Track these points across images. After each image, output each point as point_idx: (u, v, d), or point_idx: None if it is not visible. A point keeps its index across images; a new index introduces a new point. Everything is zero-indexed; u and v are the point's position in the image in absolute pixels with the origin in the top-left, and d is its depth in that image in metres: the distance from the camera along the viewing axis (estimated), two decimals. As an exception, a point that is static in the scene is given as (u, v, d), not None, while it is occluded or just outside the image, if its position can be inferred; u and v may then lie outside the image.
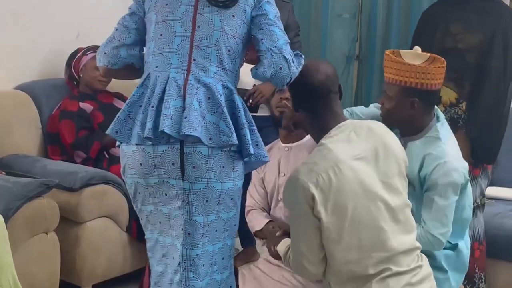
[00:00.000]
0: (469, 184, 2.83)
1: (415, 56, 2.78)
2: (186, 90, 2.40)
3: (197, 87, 2.40)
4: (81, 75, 4.01)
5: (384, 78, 2.84)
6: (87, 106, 3.95)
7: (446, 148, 2.77)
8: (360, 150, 2.33)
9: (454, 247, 2.81)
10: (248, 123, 2.48)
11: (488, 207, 3.81)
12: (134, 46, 2.61)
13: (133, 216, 3.60)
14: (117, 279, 3.68)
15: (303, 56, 2.55)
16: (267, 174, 3.09)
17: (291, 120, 2.62)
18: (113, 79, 4.07)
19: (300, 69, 2.51)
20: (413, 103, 2.74)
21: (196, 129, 2.33)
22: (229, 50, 2.46)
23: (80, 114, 3.90)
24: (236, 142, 2.38)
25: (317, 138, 2.42)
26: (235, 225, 2.59)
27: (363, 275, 2.28)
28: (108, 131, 2.52)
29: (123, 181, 3.54)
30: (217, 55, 2.44)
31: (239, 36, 2.48)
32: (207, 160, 2.40)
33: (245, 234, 4.34)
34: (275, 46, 2.45)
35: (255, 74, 2.51)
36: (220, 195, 2.45)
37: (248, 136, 2.43)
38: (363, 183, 2.28)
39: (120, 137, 2.50)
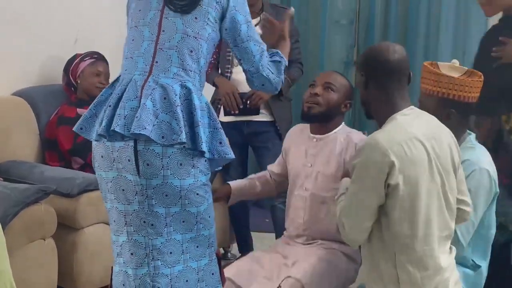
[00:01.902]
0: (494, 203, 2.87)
1: (452, 68, 2.83)
2: (143, 91, 2.47)
3: (154, 88, 2.46)
4: (78, 81, 4.01)
5: (421, 88, 2.88)
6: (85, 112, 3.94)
7: (482, 157, 2.83)
8: (429, 131, 2.40)
9: (476, 267, 2.83)
10: (210, 122, 2.54)
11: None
12: None
13: (131, 222, 3.60)
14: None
15: (282, 61, 2.69)
16: (291, 158, 3.28)
17: (360, 96, 2.59)
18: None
19: (282, 76, 2.68)
20: (449, 114, 2.78)
21: (145, 128, 2.38)
22: (191, 51, 2.52)
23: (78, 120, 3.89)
24: (184, 140, 2.41)
25: (384, 117, 2.44)
26: (209, 217, 2.61)
27: (423, 260, 2.35)
28: (74, 128, 2.62)
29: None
30: (178, 56, 2.50)
31: (202, 37, 2.53)
32: (161, 158, 2.45)
33: (243, 240, 4.34)
34: (253, 66, 2.61)
35: (249, 85, 2.73)
36: (180, 191, 2.49)
37: (202, 134, 2.46)
38: (430, 161, 2.35)
39: (84, 133, 2.61)
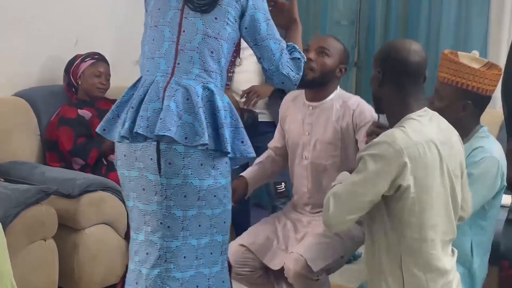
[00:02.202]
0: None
1: (472, 59, 2.78)
2: (165, 92, 2.48)
3: (176, 89, 2.47)
4: (79, 82, 4.01)
5: (438, 77, 2.83)
6: (85, 113, 3.95)
7: (494, 146, 2.79)
8: (442, 135, 2.37)
9: (470, 265, 2.81)
10: (232, 122, 2.55)
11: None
12: None
13: (132, 223, 3.60)
14: (116, 286, 3.67)
15: (301, 58, 2.66)
16: (288, 127, 3.28)
17: (372, 89, 2.53)
18: (111, 86, 4.09)
19: (301, 73, 2.65)
20: (466, 105, 2.74)
21: (170, 129, 2.40)
22: (212, 52, 2.52)
23: (79, 121, 3.90)
24: (207, 142, 2.43)
25: (396, 116, 2.40)
26: (225, 222, 2.63)
27: (429, 262, 2.33)
28: (97, 129, 2.64)
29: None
30: (199, 58, 2.51)
31: (222, 37, 2.53)
32: (183, 158, 2.47)
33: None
34: (273, 65, 2.60)
35: (269, 82, 2.73)
36: (199, 191, 2.51)
37: (227, 135, 2.49)
38: (441, 165, 2.32)
39: (107, 134, 2.62)
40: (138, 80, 2.60)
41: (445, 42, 4.83)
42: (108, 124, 2.61)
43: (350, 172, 2.54)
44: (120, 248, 3.60)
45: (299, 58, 2.65)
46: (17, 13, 4.01)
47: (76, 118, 3.90)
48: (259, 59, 2.62)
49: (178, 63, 2.51)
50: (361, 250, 3.31)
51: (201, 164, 2.49)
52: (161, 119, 2.41)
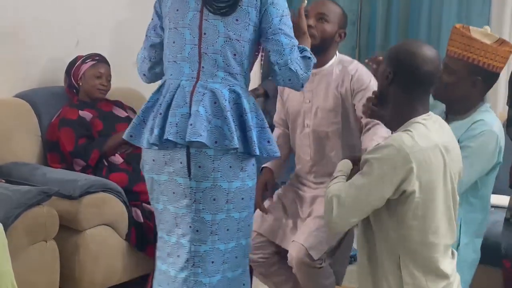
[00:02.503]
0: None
1: (485, 35, 2.76)
2: (192, 97, 2.49)
3: (204, 93, 2.49)
4: (80, 83, 4.01)
5: (448, 51, 2.80)
6: (86, 114, 3.95)
7: (495, 121, 2.78)
8: (445, 139, 2.35)
9: (456, 242, 2.78)
10: (258, 122, 2.57)
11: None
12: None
13: (133, 224, 3.60)
14: (116, 287, 3.67)
15: (311, 58, 2.63)
16: (290, 96, 3.26)
17: (379, 86, 2.48)
18: (112, 87, 4.09)
19: (309, 73, 2.62)
20: (476, 81, 2.72)
21: (201, 135, 2.43)
22: (234, 55, 2.53)
23: (80, 122, 3.90)
24: (237, 146, 2.46)
25: (400, 117, 2.36)
26: (249, 225, 2.67)
27: (430, 266, 2.33)
28: (124, 136, 2.66)
29: (123, 189, 3.61)
30: (223, 61, 2.52)
31: (244, 39, 2.53)
32: (213, 161, 2.50)
33: None
34: (281, 59, 2.55)
35: (274, 80, 2.68)
36: (228, 194, 2.54)
37: (255, 138, 2.51)
38: (445, 170, 2.31)
39: (134, 140, 2.64)
40: (162, 85, 2.61)
41: (446, 42, 4.81)
42: (134, 130, 2.62)
43: (351, 159, 2.54)
44: (121, 249, 3.60)
45: (309, 58, 2.63)
46: (18, 14, 4.01)
47: (77, 119, 3.90)
48: (268, 52, 2.58)
49: (203, 67, 2.52)
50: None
51: (230, 167, 2.52)
52: (191, 124, 2.43)
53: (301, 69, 2.58)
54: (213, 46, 2.51)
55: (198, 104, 2.47)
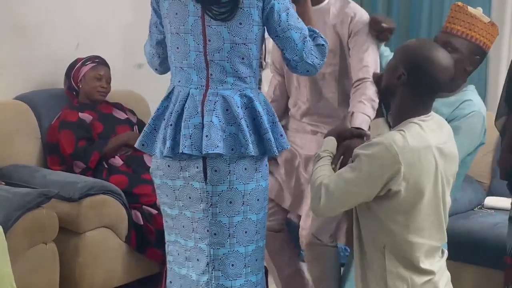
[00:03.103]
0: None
1: (480, 15, 2.78)
2: (204, 106, 2.47)
3: (215, 102, 2.47)
4: (80, 86, 4.01)
5: (451, 29, 2.81)
6: (86, 116, 3.95)
7: (481, 102, 2.82)
8: (442, 141, 2.34)
9: None
10: (269, 118, 2.56)
11: (487, 217, 3.81)
12: None
13: (133, 227, 3.60)
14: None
15: (325, 44, 2.59)
16: None
17: (387, 81, 2.43)
18: (112, 89, 4.10)
19: (325, 58, 2.59)
20: (475, 61, 2.74)
21: (218, 146, 2.43)
22: (242, 58, 2.50)
23: (80, 124, 3.90)
24: (252, 153, 2.47)
25: (400, 116, 2.36)
26: (264, 227, 2.67)
27: (412, 262, 2.33)
28: (136, 145, 2.63)
29: (122, 191, 3.60)
30: (231, 67, 2.49)
31: (250, 41, 2.49)
32: (229, 164, 2.50)
33: None
34: (296, 55, 2.53)
35: (292, 71, 2.65)
36: (244, 196, 2.54)
37: (272, 139, 2.51)
38: (436, 172, 2.30)
39: (146, 149, 2.62)
40: (171, 92, 2.58)
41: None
42: (146, 138, 2.60)
43: (336, 135, 2.54)
44: (121, 252, 3.60)
45: (323, 44, 2.59)
46: (19, 17, 4.01)
47: (77, 122, 3.91)
48: (282, 50, 2.56)
49: (211, 74, 2.50)
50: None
51: (245, 169, 2.52)
52: (206, 136, 2.43)
53: (317, 58, 2.56)
54: (219, 53, 2.47)
55: (211, 114, 2.45)
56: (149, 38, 2.73)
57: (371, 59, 3.05)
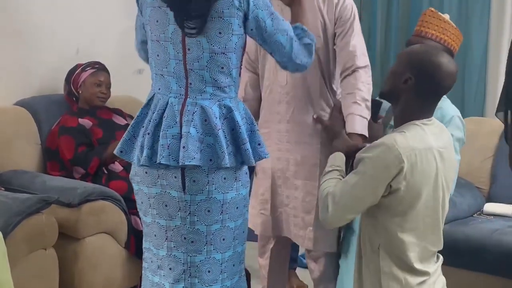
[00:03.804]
0: None
1: (450, 21, 2.88)
2: (182, 116, 2.46)
3: (194, 112, 2.46)
4: (80, 91, 4.02)
5: (423, 33, 2.88)
6: (86, 122, 3.95)
7: (452, 106, 2.93)
8: (442, 145, 2.37)
9: None
10: (248, 127, 2.55)
11: (487, 223, 3.81)
12: None
13: (132, 232, 3.60)
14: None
15: (312, 43, 2.61)
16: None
17: (392, 85, 2.43)
18: (112, 95, 4.10)
19: (313, 56, 2.62)
20: None
21: (194, 158, 2.41)
22: (222, 68, 2.48)
23: (80, 130, 3.91)
24: (228, 165, 2.45)
25: (403, 117, 2.38)
26: (243, 232, 2.66)
27: (406, 262, 2.34)
28: (115, 151, 2.62)
29: (122, 196, 3.61)
30: (210, 76, 2.47)
31: (230, 50, 2.48)
32: (207, 174, 2.48)
33: None
34: (285, 57, 2.56)
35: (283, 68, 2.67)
36: (222, 205, 2.53)
37: (250, 150, 2.50)
38: (436, 175, 2.33)
39: (125, 156, 2.61)
40: (151, 99, 2.57)
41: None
42: (125, 145, 2.60)
43: (345, 152, 2.57)
44: (120, 257, 3.60)
45: (309, 43, 2.61)
46: (19, 23, 4.02)
47: (77, 127, 3.91)
48: (271, 53, 2.59)
49: (190, 83, 2.48)
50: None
51: (224, 178, 2.51)
52: (184, 147, 2.41)
53: (305, 57, 2.60)
54: (198, 62, 2.46)
55: (189, 125, 2.44)
56: (135, 35, 2.74)
57: (359, 45, 3.07)
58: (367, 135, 2.94)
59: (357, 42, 3.06)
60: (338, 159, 2.55)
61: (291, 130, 3.13)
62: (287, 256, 3.47)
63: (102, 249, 3.52)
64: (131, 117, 4.20)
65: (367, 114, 2.96)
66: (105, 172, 3.87)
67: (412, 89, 2.34)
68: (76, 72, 4.03)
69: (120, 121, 4.12)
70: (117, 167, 3.87)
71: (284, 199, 3.19)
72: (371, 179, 2.27)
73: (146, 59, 2.71)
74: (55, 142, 3.89)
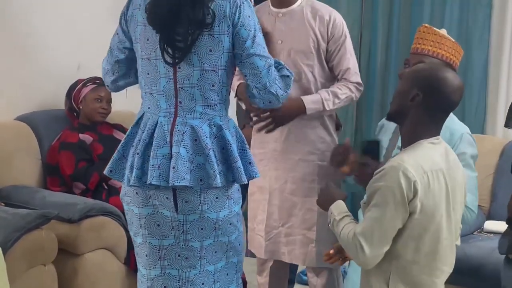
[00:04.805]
0: None
1: (446, 35, 2.86)
2: (172, 136, 2.45)
3: (184, 132, 2.45)
4: (81, 107, 4.02)
5: (419, 49, 2.87)
6: (87, 138, 3.95)
7: (459, 122, 2.91)
8: (450, 166, 2.36)
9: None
10: (239, 145, 2.54)
11: (487, 241, 3.80)
12: (129, 74, 2.69)
13: (132, 248, 3.58)
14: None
15: (290, 76, 2.58)
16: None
17: (399, 104, 2.41)
18: (112, 110, 4.10)
19: (289, 91, 2.56)
20: None
21: (184, 178, 2.40)
22: (212, 85, 2.47)
23: (80, 146, 3.91)
24: (220, 185, 2.44)
25: (412, 136, 2.36)
26: (239, 244, 2.66)
27: (426, 283, 2.33)
28: (104, 171, 2.62)
29: (122, 212, 3.60)
30: (201, 94, 2.46)
31: (220, 68, 2.46)
32: (199, 194, 2.48)
33: None
34: (259, 83, 2.49)
35: (252, 101, 2.60)
36: (216, 223, 2.53)
37: (242, 168, 2.49)
38: (447, 196, 2.32)
39: (115, 175, 2.61)
40: (141, 118, 2.56)
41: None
42: (114, 165, 2.60)
43: (329, 195, 2.54)
44: (120, 273, 3.60)
45: (288, 76, 2.56)
46: (20, 38, 4.03)
47: (77, 143, 3.91)
48: (245, 77, 2.53)
49: (180, 102, 2.47)
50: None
51: (217, 198, 2.50)
52: (173, 168, 2.40)
53: (280, 89, 2.52)
54: (188, 80, 2.44)
55: (179, 145, 2.43)
56: (108, 55, 2.70)
57: (351, 64, 3.14)
58: (307, 112, 3.03)
59: (350, 60, 3.12)
60: (341, 206, 2.49)
61: (288, 149, 3.15)
62: (286, 274, 3.47)
63: (102, 265, 3.51)
64: (132, 133, 4.21)
65: (326, 103, 3.05)
66: (105, 187, 3.87)
67: (420, 106, 2.32)
68: (77, 88, 4.04)
69: (121, 136, 4.11)
70: (117, 182, 3.86)
71: (281, 219, 3.19)
72: (394, 206, 2.24)
73: (111, 86, 2.73)
74: (55, 157, 3.89)
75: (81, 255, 3.44)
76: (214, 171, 2.43)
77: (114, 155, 2.60)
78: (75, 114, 4.06)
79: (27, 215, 3.19)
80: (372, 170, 2.50)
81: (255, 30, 2.48)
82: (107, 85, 2.76)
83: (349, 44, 3.16)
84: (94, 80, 4.06)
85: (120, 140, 4.00)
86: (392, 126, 3.00)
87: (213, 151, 2.45)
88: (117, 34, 2.64)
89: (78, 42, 4.31)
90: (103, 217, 3.51)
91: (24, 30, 4.04)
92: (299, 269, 4.25)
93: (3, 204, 3.46)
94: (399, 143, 2.80)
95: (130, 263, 3.60)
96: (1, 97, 3.95)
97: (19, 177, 3.80)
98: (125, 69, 2.66)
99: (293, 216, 3.18)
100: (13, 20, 3.98)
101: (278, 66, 2.56)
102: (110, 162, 2.60)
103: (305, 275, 3.58)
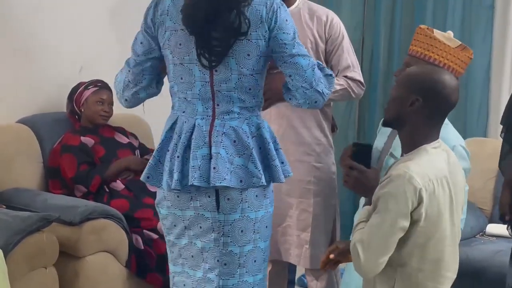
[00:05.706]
0: None
1: (447, 39, 2.79)
2: (211, 137, 2.45)
3: (223, 133, 2.45)
4: (82, 110, 4.02)
5: (410, 50, 2.83)
6: (88, 140, 3.95)
7: (455, 133, 2.81)
8: (451, 170, 2.34)
9: None
10: (275, 149, 2.54)
11: (489, 245, 3.80)
12: (151, 84, 2.64)
13: (133, 251, 3.59)
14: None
15: (333, 75, 2.57)
16: None
17: (398, 110, 2.37)
18: (114, 113, 4.10)
19: (331, 90, 2.56)
20: None
21: (225, 179, 2.41)
22: (249, 89, 2.48)
23: (82, 148, 3.90)
24: (265, 183, 2.46)
25: (413, 141, 2.34)
26: (269, 254, 2.69)
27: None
28: (141, 178, 2.60)
29: (123, 215, 3.59)
30: (238, 97, 2.47)
31: (257, 71, 2.48)
32: (241, 192, 2.48)
33: None
34: (305, 81, 2.47)
35: (290, 103, 2.58)
36: (255, 223, 2.53)
37: (280, 166, 2.50)
38: (451, 202, 2.30)
39: (152, 182, 2.58)
40: (175, 122, 2.54)
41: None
42: (151, 171, 2.57)
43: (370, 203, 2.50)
44: (121, 276, 3.58)
45: (331, 75, 2.56)
46: (22, 41, 4.03)
47: (79, 146, 3.91)
48: (289, 77, 2.49)
49: (218, 104, 2.47)
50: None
51: (256, 196, 2.51)
52: (214, 168, 2.41)
53: (325, 87, 2.51)
54: (226, 83, 2.44)
55: (219, 146, 2.43)
56: (128, 66, 2.62)
57: (350, 59, 3.18)
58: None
59: (348, 59, 3.15)
60: (362, 213, 2.44)
61: (283, 150, 3.16)
62: (285, 277, 3.47)
63: (103, 268, 3.51)
64: (134, 136, 4.21)
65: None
66: (107, 190, 3.86)
67: (420, 110, 2.30)
68: (79, 90, 4.04)
69: (122, 139, 4.12)
70: (119, 185, 3.86)
71: (276, 219, 3.19)
72: (396, 214, 2.21)
73: (131, 99, 2.67)
74: (57, 160, 3.89)
75: (82, 258, 3.44)
76: (259, 170, 2.44)
77: (150, 160, 2.58)
78: (76, 117, 4.06)
79: (28, 218, 3.18)
80: (358, 173, 2.49)
81: (294, 33, 2.48)
82: (125, 100, 2.69)
83: (346, 43, 3.19)
84: (96, 83, 4.07)
85: (122, 143, 4.05)
86: (387, 129, 2.97)
87: (256, 151, 2.47)
88: (141, 43, 2.57)
89: (80, 45, 4.31)
90: (104, 220, 3.50)
91: (26, 34, 4.04)
92: (301, 272, 4.24)
93: (4, 206, 3.46)
94: (392, 149, 2.77)
95: (131, 266, 3.59)
96: (3, 100, 3.95)
97: (20, 180, 3.80)
98: (149, 78, 2.61)
99: (288, 217, 3.18)
100: (15, 23, 3.99)
101: (319, 66, 2.55)
102: (146, 168, 2.57)
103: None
